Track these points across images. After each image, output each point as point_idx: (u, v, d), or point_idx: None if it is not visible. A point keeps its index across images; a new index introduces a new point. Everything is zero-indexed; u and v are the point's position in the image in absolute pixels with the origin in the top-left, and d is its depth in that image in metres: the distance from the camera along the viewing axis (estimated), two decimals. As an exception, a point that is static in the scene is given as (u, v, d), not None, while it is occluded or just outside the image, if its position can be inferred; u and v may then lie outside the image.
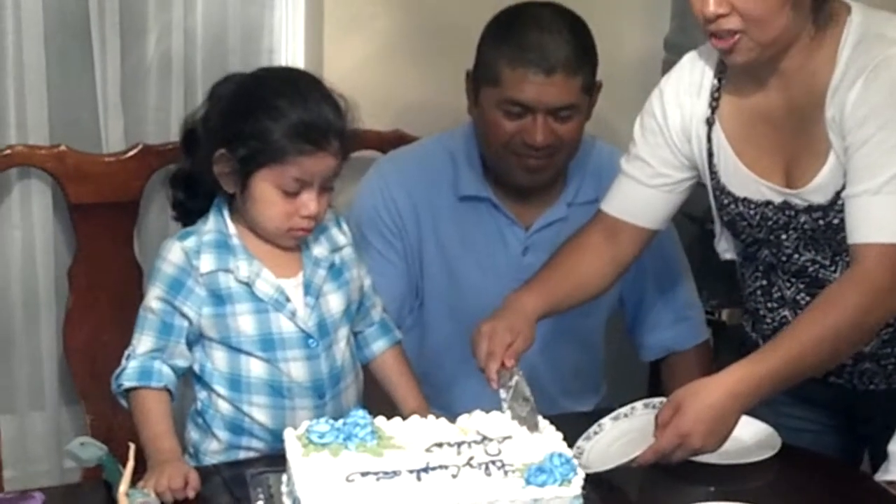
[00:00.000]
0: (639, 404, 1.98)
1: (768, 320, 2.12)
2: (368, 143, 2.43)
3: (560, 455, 1.60)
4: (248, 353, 1.95)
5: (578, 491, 1.57)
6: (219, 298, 1.94)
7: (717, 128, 2.03)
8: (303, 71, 2.07)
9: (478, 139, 2.41)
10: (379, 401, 2.05)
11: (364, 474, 1.56)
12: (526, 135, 2.28)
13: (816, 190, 1.93)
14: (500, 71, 2.27)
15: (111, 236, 2.51)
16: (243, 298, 1.94)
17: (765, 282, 2.11)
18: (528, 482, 1.56)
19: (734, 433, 1.86)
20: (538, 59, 2.24)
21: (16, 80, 2.50)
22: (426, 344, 2.44)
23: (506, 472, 1.58)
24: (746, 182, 2.01)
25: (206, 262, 1.94)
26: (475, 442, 1.67)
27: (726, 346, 2.68)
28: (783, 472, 1.93)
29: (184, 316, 1.93)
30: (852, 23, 1.90)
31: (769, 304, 2.11)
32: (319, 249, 2.01)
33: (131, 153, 2.52)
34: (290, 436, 1.67)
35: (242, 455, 1.98)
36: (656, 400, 1.95)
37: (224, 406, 1.98)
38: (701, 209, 2.19)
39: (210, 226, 1.97)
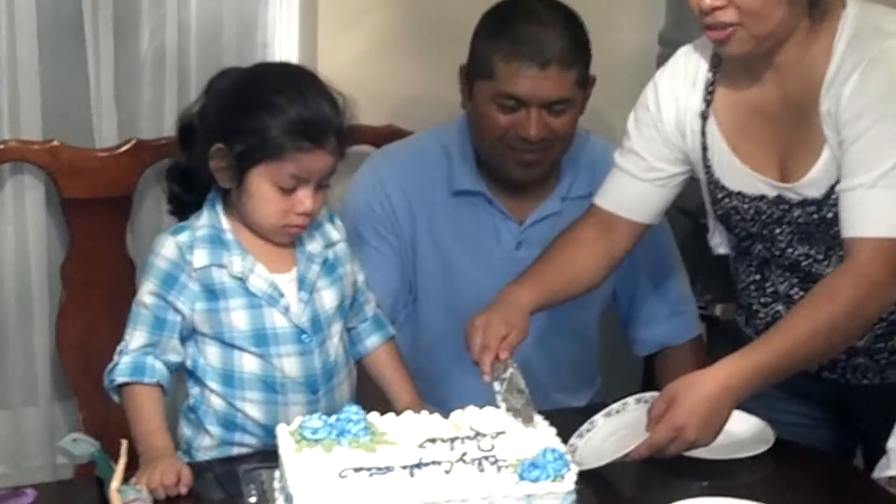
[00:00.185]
0: (630, 400, 1.97)
1: (762, 315, 2.12)
2: (362, 137, 2.41)
3: (553, 450, 1.59)
4: (242, 349, 1.95)
5: (572, 486, 1.57)
6: (212, 293, 1.94)
7: (711, 121, 2.02)
8: (301, 67, 2.07)
9: (471, 133, 2.40)
10: (372, 397, 2.05)
11: (357, 470, 1.56)
12: (520, 128, 2.28)
13: (811, 184, 1.92)
14: (494, 65, 2.27)
15: (104, 231, 2.51)
16: (237, 294, 1.94)
17: (758, 276, 2.11)
18: (521, 478, 1.56)
19: (728, 428, 1.86)
20: (532, 52, 2.23)
21: (9, 74, 2.49)
22: (420, 339, 2.44)
23: (499, 468, 1.58)
24: (740, 176, 2.01)
25: (200, 257, 1.93)
26: (468, 437, 1.67)
27: (720, 340, 2.68)
28: (777, 467, 1.92)
29: (177, 311, 1.93)
30: (848, 16, 1.89)
31: (763, 299, 2.11)
32: (313, 245, 2.01)
33: (124, 148, 2.52)
34: (282, 432, 1.66)
35: (235, 451, 1.97)
36: (648, 395, 1.94)
37: (217, 402, 1.97)
38: (694, 203, 2.19)
39: (203, 221, 1.97)
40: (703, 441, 1.83)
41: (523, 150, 2.31)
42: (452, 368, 2.30)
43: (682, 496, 1.74)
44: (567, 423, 1.84)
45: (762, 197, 2.00)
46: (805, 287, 2.00)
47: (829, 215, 1.92)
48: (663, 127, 2.06)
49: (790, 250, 2.02)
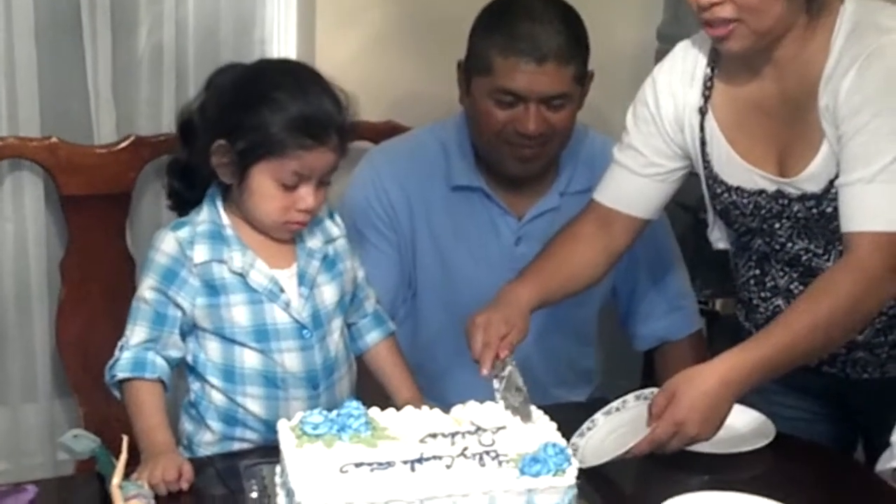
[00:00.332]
0: (630, 397, 1.98)
1: (761, 310, 2.12)
2: (361, 133, 2.41)
3: (554, 445, 1.60)
4: (242, 344, 1.95)
5: (573, 481, 1.57)
6: (212, 289, 1.93)
7: (709, 117, 2.02)
8: (303, 64, 2.06)
9: (470, 129, 2.40)
10: (373, 392, 2.05)
11: (358, 465, 1.56)
12: (518, 124, 2.28)
13: (810, 179, 1.93)
14: (491, 60, 2.27)
15: (103, 228, 2.51)
16: (237, 289, 1.94)
17: (758, 271, 2.11)
18: (522, 472, 1.56)
19: (728, 422, 1.86)
20: (530, 48, 2.23)
21: (7, 72, 2.49)
22: (419, 335, 2.44)
23: (500, 463, 1.58)
24: (739, 171, 2.01)
25: (200, 253, 1.93)
26: (469, 432, 1.67)
27: (719, 335, 2.68)
28: (777, 461, 1.93)
29: (177, 306, 1.93)
30: (846, 11, 1.90)
31: (762, 294, 2.11)
32: (313, 241, 2.01)
33: (123, 145, 2.52)
34: (283, 427, 1.66)
35: (236, 446, 1.97)
36: (647, 391, 1.95)
37: (218, 397, 1.97)
38: (694, 198, 2.19)
39: (203, 216, 1.97)
40: (703, 436, 1.83)
41: (521, 145, 2.31)
42: (452, 364, 2.30)
43: (683, 491, 1.75)
44: (567, 418, 1.84)
45: (761, 192, 2.00)
46: (805, 281, 2.01)
47: (829, 210, 1.92)
48: (662, 122, 2.06)
49: (790, 245, 2.03)
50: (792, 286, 2.06)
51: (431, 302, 2.44)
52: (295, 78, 1.93)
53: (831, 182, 1.90)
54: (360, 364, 2.12)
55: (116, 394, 1.92)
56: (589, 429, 1.95)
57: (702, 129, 2.03)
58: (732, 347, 1.85)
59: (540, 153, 2.34)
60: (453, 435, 1.66)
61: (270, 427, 1.80)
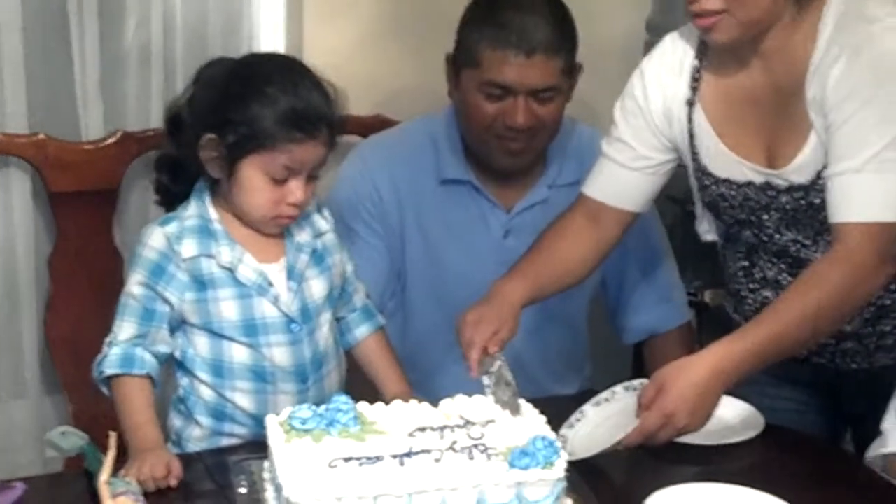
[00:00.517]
0: (619, 388, 1.98)
1: (750, 301, 2.12)
2: (349, 127, 2.40)
3: (543, 438, 1.59)
4: (231, 339, 1.95)
5: (562, 474, 1.57)
6: (201, 284, 1.93)
7: (697, 108, 2.02)
8: (293, 58, 2.06)
9: (458, 122, 2.40)
10: (363, 387, 2.05)
11: (347, 460, 1.56)
12: (507, 117, 2.28)
13: (797, 170, 1.92)
14: (480, 53, 2.26)
15: (91, 224, 2.51)
16: (226, 284, 1.94)
17: (746, 263, 2.11)
18: (511, 465, 1.56)
19: (717, 414, 1.86)
20: (518, 40, 2.23)
21: (-6, 67, 2.48)
22: (409, 328, 2.44)
23: (489, 456, 1.58)
24: (728, 163, 2.01)
25: (188, 248, 1.93)
26: (458, 426, 1.66)
27: (709, 327, 2.69)
28: (767, 452, 1.93)
29: (166, 301, 1.92)
30: (833, 1, 1.89)
31: (751, 285, 2.11)
32: (302, 235, 2.00)
33: (111, 140, 2.51)
34: (272, 422, 1.66)
35: (225, 441, 1.97)
36: (636, 382, 1.95)
37: (206, 392, 1.97)
38: (683, 190, 2.20)
39: (191, 211, 1.96)
40: (693, 427, 1.83)
41: (510, 138, 2.31)
42: (442, 357, 2.30)
43: (674, 482, 1.75)
44: (557, 411, 1.84)
45: (749, 183, 2.00)
46: (793, 273, 2.01)
47: (817, 201, 1.92)
48: (650, 115, 2.06)
49: (778, 236, 2.02)
50: (780, 277, 2.06)
51: (421, 295, 2.44)
52: (284, 72, 1.93)
53: (819, 173, 1.89)
54: (350, 359, 2.11)
55: (105, 390, 1.91)
56: (578, 420, 1.95)
57: (690, 121, 2.03)
58: (721, 338, 1.85)
59: (528, 146, 2.34)
60: (442, 429, 1.65)
61: (259, 422, 1.80)
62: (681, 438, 1.85)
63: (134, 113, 2.62)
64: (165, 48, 2.62)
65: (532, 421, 1.70)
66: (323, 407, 1.66)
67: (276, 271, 1.97)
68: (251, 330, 1.95)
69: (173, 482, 1.76)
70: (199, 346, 1.96)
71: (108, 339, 1.92)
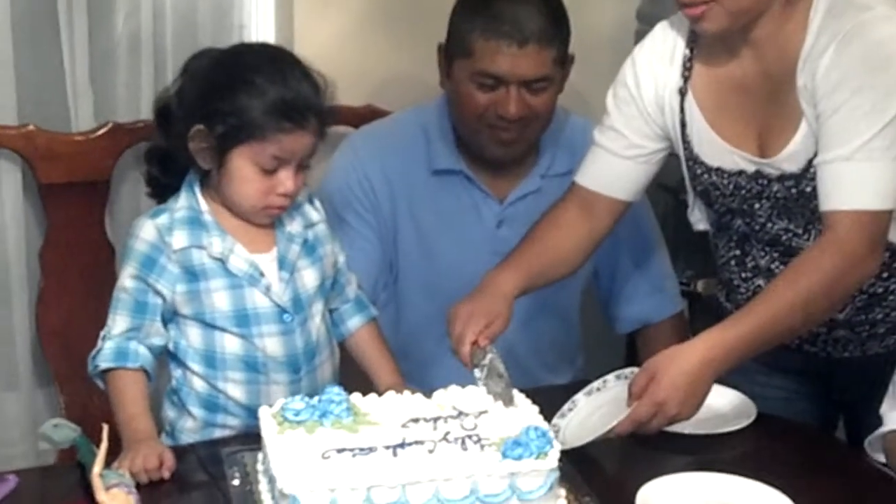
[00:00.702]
0: (610, 377, 1.98)
1: (742, 290, 2.12)
2: (340, 118, 2.40)
3: (536, 428, 1.59)
4: (223, 330, 1.95)
5: (555, 464, 1.57)
6: (192, 275, 1.93)
7: (689, 97, 2.02)
8: (281, 48, 2.06)
9: (450, 112, 2.40)
10: (356, 378, 2.05)
11: (340, 451, 1.56)
12: (499, 107, 2.27)
13: (789, 158, 1.93)
14: (472, 43, 2.26)
15: (82, 216, 2.50)
16: (217, 274, 1.93)
17: (738, 252, 2.11)
18: (504, 456, 1.56)
19: (709, 403, 1.86)
20: (511, 30, 2.23)
21: (-18, 59, 2.47)
22: (402, 319, 2.44)
23: (482, 447, 1.58)
24: (719, 152, 2.01)
25: (179, 239, 1.93)
26: (451, 417, 1.66)
27: (701, 316, 2.68)
28: (759, 441, 1.93)
29: (158, 293, 1.92)
30: (823, -10, 1.89)
31: (743, 274, 2.12)
32: (293, 225, 2.00)
33: (101, 132, 2.50)
34: (265, 414, 1.66)
35: (218, 433, 1.97)
36: (628, 371, 1.95)
37: (199, 383, 1.97)
38: (675, 179, 2.19)
39: (182, 202, 1.96)
40: (684, 415, 1.83)
41: (502, 128, 2.31)
42: (435, 348, 2.29)
43: (666, 471, 1.75)
44: (549, 401, 1.84)
45: (741, 172, 2.00)
46: (785, 261, 2.01)
47: (808, 189, 1.92)
48: (642, 103, 2.06)
49: (769, 225, 2.03)
50: (772, 266, 2.06)
51: (413, 286, 2.44)
52: (273, 62, 1.93)
53: (810, 161, 1.90)
54: (343, 350, 2.11)
55: (100, 384, 1.91)
56: (570, 409, 1.95)
57: (681, 110, 2.03)
58: (712, 327, 1.85)
59: (521, 136, 2.34)
60: (435, 419, 1.65)
61: (252, 413, 1.80)
62: (673, 428, 1.85)
63: (124, 104, 2.61)
64: (155, 39, 2.61)
65: (525, 411, 1.71)
66: (316, 398, 1.66)
67: (267, 261, 1.97)
68: (243, 320, 1.95)
69: (166, 474, 1.76)
70: (192, 337, 1.96)
71: (102, 333, 1.92)
